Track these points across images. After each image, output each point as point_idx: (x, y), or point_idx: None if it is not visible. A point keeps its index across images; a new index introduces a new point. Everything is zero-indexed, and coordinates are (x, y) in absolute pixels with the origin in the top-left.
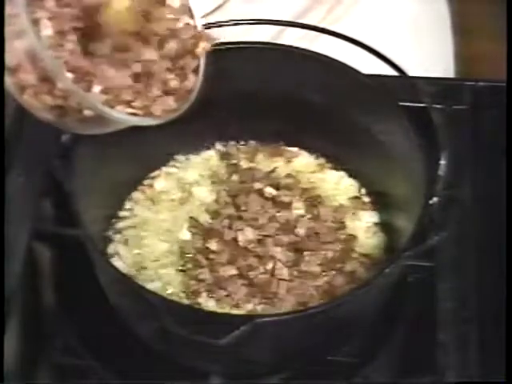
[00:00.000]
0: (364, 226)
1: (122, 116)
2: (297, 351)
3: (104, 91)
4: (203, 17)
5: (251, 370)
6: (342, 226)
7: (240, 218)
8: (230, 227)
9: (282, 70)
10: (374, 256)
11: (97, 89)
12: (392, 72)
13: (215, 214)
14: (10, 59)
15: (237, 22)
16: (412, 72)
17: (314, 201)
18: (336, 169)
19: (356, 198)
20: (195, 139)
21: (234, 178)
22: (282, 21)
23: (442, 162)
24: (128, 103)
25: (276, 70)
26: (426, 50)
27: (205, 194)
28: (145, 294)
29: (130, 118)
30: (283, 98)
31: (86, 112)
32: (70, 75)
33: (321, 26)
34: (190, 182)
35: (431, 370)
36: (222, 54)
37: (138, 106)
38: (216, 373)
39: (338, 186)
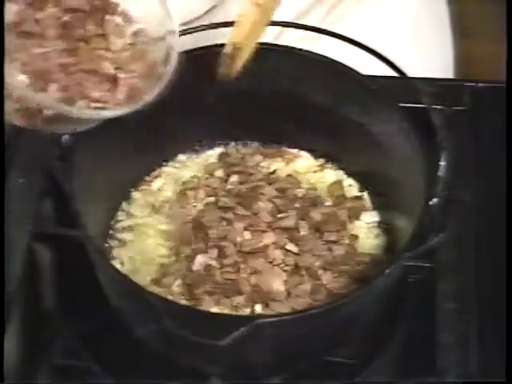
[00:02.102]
0: (365, 227)
1: (83, 112)
2: (297, 352)
3: (62, 89)
4: (199, 17)
5: (251, 371)
6: (343, 226)
7: (239, 220)
8: (229, 230)
9: (283, 71)
10: (375, 256)
11: (53, 87)
12: (392, 73)
13: (214, 216)
14: None
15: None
16: (412, 73)
17: (314, 201)
18: (336, 169)
19: (356, 198)
20: (195, 140)
21: (234, 179)
22: (281, 22)
23: (442, 162)
24: (91, 97)
25: (276, 71)
26: (425, 50)
27: (204, 195)
28: (145, 295)
29: (93, 113)
30: (284, 99)
31: (47, 112)
32: (24, 78)
33: (321, 26)
34: (189, 182)
35: (431, 370)
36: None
37: (103, 99)
38: (216, 374)
39: (338, 186)
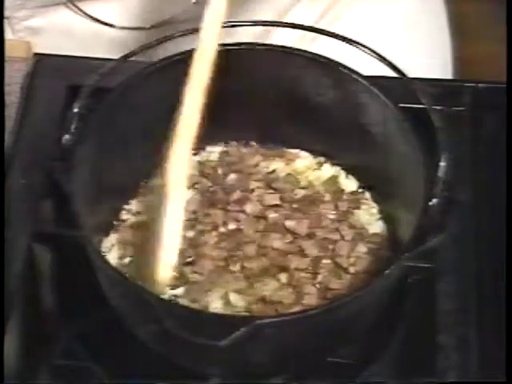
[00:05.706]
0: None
1: None
2: (297, 353)
3: None
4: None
5: (252, 372)
6: (341, 226)
7: (237, 220)
8: (227, 229)
9: (283, 71)
10: (375, 255)
11: None
12: (392, 73)
13: (213, 216)
14: None
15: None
16: (410, 73)
17: (313, 199)
18: (335, 167)
19: (356, 197)
20: (195, 139)
21: (232, 177)
22: (278, 22)
23: (442, 163)
24: None
25: (276, 71)
26: (424, 51)
27: (203, 195)
28: (145, 296)
29: None
30: (283, 99)
31: None
32: None
33: (318, 26)
34: (189, 181)
35: (431, 370)
36: (223, 55)
37: None
38: (216, 374)
39: (337, 184)
